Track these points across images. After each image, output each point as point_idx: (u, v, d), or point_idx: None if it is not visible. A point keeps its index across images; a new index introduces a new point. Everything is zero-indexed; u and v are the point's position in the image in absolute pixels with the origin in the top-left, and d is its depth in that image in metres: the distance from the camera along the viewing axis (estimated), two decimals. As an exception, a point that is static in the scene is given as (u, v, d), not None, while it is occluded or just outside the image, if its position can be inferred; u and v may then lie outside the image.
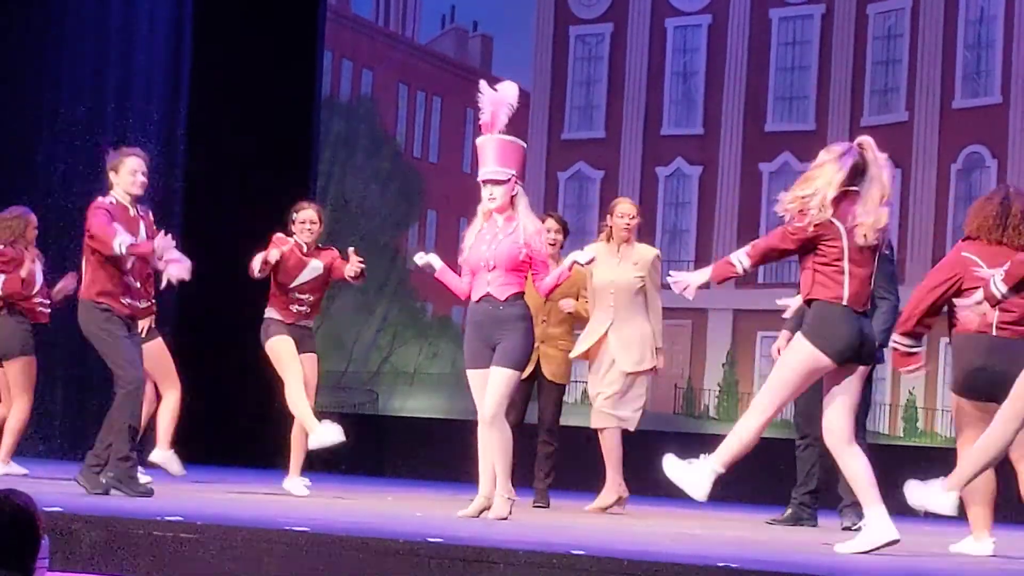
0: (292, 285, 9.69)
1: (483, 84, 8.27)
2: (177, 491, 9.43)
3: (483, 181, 8.08)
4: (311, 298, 9.71)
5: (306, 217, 9.78)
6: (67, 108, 13.11)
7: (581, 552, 5.89)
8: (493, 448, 7.98)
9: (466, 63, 14.46)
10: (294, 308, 9.68)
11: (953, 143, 12.44)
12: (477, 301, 8.10)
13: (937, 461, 11.74)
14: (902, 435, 12.23)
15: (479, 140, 8.18)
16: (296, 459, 9.75)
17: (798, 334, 6.84)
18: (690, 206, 13.40)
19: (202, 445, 12.33)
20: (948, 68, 12.52)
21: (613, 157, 13.68)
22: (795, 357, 6.77)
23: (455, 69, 14.56)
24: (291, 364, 9.54)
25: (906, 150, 12.58)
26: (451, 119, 14.41)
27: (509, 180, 8.04)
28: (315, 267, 9.72)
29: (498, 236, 8.05)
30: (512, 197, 8.06)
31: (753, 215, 12.98)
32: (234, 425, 12.83)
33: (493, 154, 8.07)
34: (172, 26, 13.47)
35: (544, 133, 13.84)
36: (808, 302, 6.83)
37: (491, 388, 7.95)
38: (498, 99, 8.16)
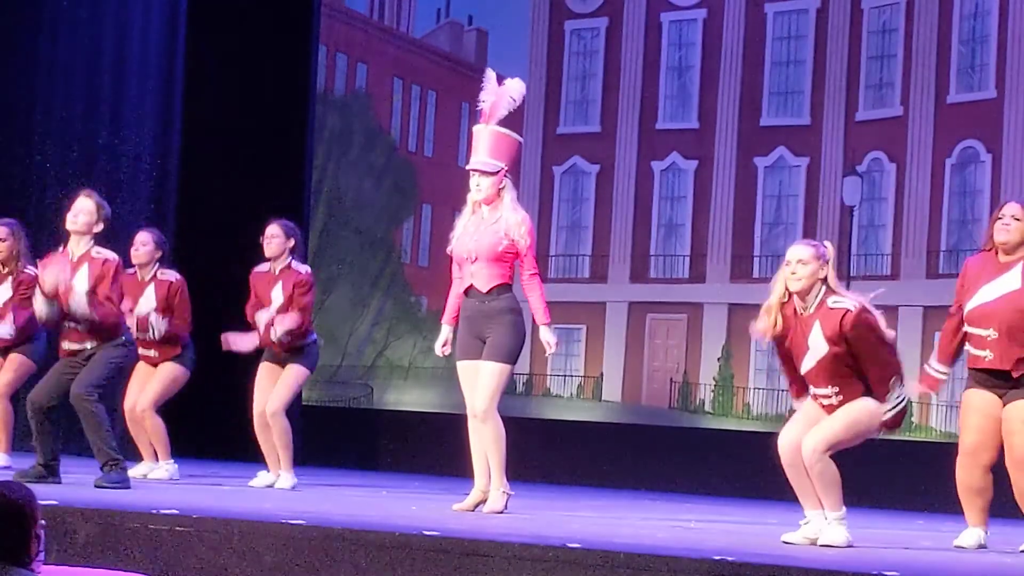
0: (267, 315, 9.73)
1: (489, 73, 8.25)
2: (172, 485, 9.44)
3: (471, 170, 8.08)
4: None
5: (268, 232, 9.80)
6: (63, 106, 13.09)
7: (577, 545, 5.89)
8: (486, 442, 7.97)
9: (461, 57, 14.46)
10: (273, 337, 9.71)
11: (948, 138, 12.44)
12: (465, 294, 8.11)
13: (932, 456, 11.77)
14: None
15: (475, 128, 8.18)
16: (270, 458, 9.76)
17: None
18: (685, 200, 13.40)
19: (198, 440, 12.34)
20: (943, 63, 12.52)
21: (609, 152, 13.67)
22: None
23: (450, 63, 14.56)
24: (254, 396, 9.72)
25: (901, 145, 12.59)
26: (446, 113, 14.41)
27: (497, 172, 8.02)
28: (276, 295, 9.71)
29: (481, 227, 8.05)
30: (500, 190, 8.05)
31: (748, 209, 12.98)
32: (229, 420, 12.81)
33: (485, 145, 8.07)
34: (167, 20, 13.44)
35: (539, 127, 13.83)
36: None
37: (482, 382, 7.94)
38: (501, 92, 8.15)
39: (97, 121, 13.10)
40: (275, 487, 9.60)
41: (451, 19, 14.56)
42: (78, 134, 13.08)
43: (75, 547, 6.46)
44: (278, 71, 14.05)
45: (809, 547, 6.71)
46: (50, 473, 8.60)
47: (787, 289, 6.91)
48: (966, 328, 7.34)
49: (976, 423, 7.30)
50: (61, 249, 8.82)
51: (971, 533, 7.37)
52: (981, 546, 7.29)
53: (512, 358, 8.02)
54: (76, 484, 8.51)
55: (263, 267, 9.81)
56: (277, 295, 9.67)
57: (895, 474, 11.73)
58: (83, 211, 8.75)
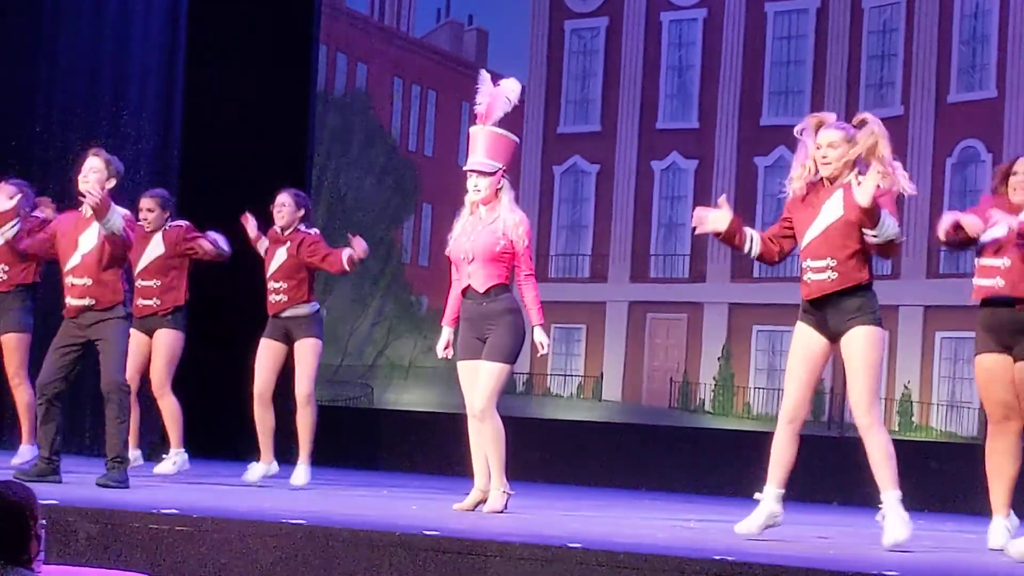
0: (268, 274, 9.80)
1: (484, 75, 8.26)
2: (172, 484, 9.43)
3: (468, 171, 8.09)
4: (284, 285, 9.75)
5: (278, 201, 9.91)
6: (64, 105, 13.08)
7: (577, 545, 5.89)
8: (485, 442, 7.99)
9: (461, 57, 14.46)
10: (272, 298, 9.79)
11: (948, 137, 12.44)
12: (463, 295, 8.12)
13: (933, 456, 11.78)
14: (897, 429, 12.22)
15: (472, 129, 8.19)
16: (264, 442, 9.82)
17: None
18: (686, 200, 13.39)
19: (197, 438, 12.33)
20: (943, 62, 12.52)
21: (609, 151, 13.67)
22: None
23: (450, 63, 14.56)
24: (255, 375, 9.74)
25: (901, 144, 12.58)
26: (446, 113, 14.41)
27: (495, 173, 8.04)
28: (280, 254, 9.79)
29: (478, 228, 8.06)
30: (497, 190, 8.06)
31: (749, 209, 12.97)
32: (229, 418, 12.81)
33: (483, 145, 8.08)
34: (167, 19, 13.44)
35: (539, 127, 13.83)
36: None
37: (481, 382, 7.95)
38: (496, 92, 8.17)
39: (97, 120, 13.09)
40: (291, 481, 9.59)
41: (451, 19, 14.57)
42: (78, 135, 13.07)
43: (75, 547, 6.46)
44: (278, 71, 14.05)
45: (808, 546, 6.70)
46: (51, 471, 8.58)
47: (817, 172, 6.90)
48: (978, 261, 7.26)
49: (995, 396, 7.21)
50: (79, 210, 8.85)
51: (997, 528, 7.22)
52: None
53: (511, 358, 8.03)
54: (77, 483, 8.50)
55: (277, 229, 9.92)
56: (281, 255, 9.75)
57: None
58: (92, 169, 8.78)
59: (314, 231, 9.94)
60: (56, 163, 12.80)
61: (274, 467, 9.81)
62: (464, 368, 8.11)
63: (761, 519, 6.86)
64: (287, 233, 9.84)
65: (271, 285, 9.81)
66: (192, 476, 10.04)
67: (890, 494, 6.75)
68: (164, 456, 10.08)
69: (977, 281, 7.20)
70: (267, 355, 9.78)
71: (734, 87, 13.28)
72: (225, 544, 6.30)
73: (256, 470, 9.79)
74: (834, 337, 6.85)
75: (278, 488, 9.54)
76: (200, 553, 6.32)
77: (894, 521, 6.72)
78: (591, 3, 13.95)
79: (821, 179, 6.93)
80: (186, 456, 10.03)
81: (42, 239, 8.99)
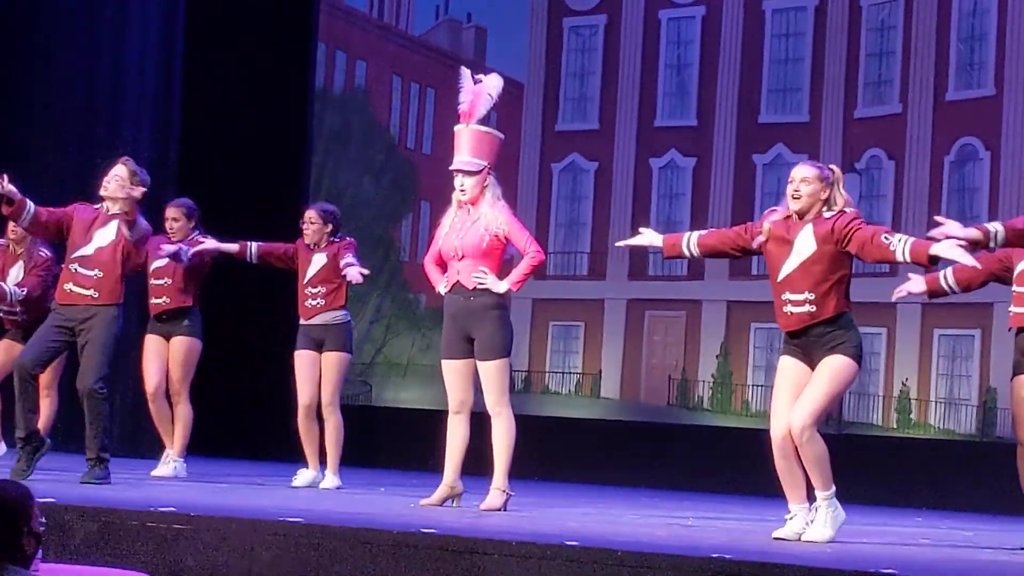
0: (304, 281, 9.82)
1: (464, 72, 8.27)
2: (170, 483, 9.44)
3: (454, 171, 8.11)
4: (323, 290, 9.78)
5: (306, 217, 9.94)
6: (62, 102, 13.07)
7: (575, 543, 5.89)
8: (497, 436, 8.01)
9: (460, 55, 14.45)
10: (307, 303, 9.78)
11: (947, 135, 12.45)
12: (449, 291, 8.14)
13: (930, 453, 11.79)
14: (895, 426, 12.24)
15: (456, 128, 8.20)
16: (310, 451, 9.85)
17: None
18: (684, 198, 13.40)
19: (194, 437, 12.33)
20: (942, 60, 12.53)
21: (607, 149, 13.68)
22: None
23: (449, 61, 14.55)
24: (298, 387, 9.78)
25: (900, 142, 12.59)
26: (445, 111, 14.39)
27: (481, 171, 8.05)
28: (319, 260, 9.81)
29: (466, 225, 8.09)
30: (484, 187, 8.08)
31: (747, 206, 12.98)
32: (227, 417, 12.82)
33: (467, 144, 8.09)
34: (165, 17, 13.44)
35: (538, 125, 13.83)
36: None
37: (486, 384, 7.98)
38: (478, 89, 8.17)
39: (94, 118, 13.09)
40: (320, 487, 9.62)
41: (450, 16, 14.57)
42: (76, 131, 13.08)
43: (73, 545, 6.46)
44: (277, 68, 14.05)
45: (806, 544, 6.71)
46: (36, 445, 8.60)
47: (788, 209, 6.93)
48: (1014, 288, 7.18)
49: (1022, 418, 7.18)
50: (97, 205, 8.84)
51: None
52: None
53: (507, 351, 8.06)
54: (74, 482, 8.51)
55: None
56: (319, 260, 9.80)
57: (893, 471, 11.74)
58: (115, 176, 8.75)
59: (349, 240, 9.97)
60: (53, 168, 12.80)
61: (319, 476, 9.83)
62: (447, 367, 8.14)
63: (798, 526, 6.87)
64: (323, 247, 9.86)
65: (308, 291, 9.82)
66: (190, 475, 10.04)
67: (823, 492, 6.79)
68: (165, 460, 10.06)
69: (1014, 308, 7.13)
70: (307, 367, 9.83)
71: (732, 85, 13.28)
72: (223, 542, 6.30)
73: (304, 476, 9.83)
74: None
75: (276, 487, 9.54)
76: (198, 551, 6.32)
77: (824, 520, 6.77)
78: (590, 1, 13.95)
79: (791, 215, 6.95)
80: (185, 465, 10.03)
81: (59, 216, 8.87)
